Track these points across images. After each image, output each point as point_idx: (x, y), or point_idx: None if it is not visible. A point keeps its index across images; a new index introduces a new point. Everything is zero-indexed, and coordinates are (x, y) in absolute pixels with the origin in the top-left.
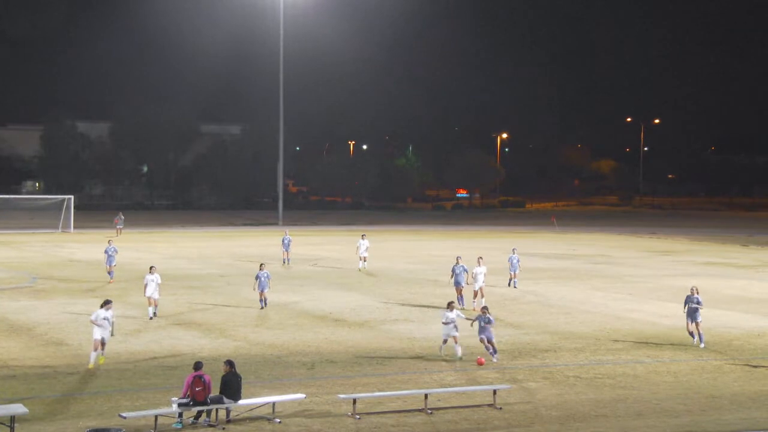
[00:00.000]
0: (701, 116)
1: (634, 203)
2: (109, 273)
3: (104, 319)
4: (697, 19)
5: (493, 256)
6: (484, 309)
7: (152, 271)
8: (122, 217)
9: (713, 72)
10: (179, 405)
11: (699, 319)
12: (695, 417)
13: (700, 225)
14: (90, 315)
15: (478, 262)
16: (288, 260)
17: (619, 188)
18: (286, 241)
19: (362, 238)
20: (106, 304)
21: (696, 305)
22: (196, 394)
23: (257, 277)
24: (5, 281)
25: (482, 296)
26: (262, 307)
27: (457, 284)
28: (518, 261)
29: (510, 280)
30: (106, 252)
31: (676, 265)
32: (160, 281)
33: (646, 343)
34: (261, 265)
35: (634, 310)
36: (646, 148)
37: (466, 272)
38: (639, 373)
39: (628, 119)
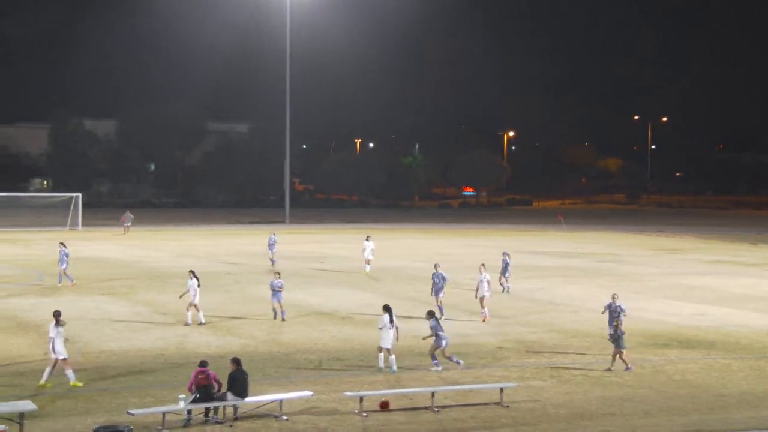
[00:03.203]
0: (708, 115)
1: (641, 201)
2: (66, 275)
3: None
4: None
5: (499, 254)
6: (430, 313)
7: (191, 276)
8: (130, 216)
9: (720, 70)
10: (193, 401)
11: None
12: (703, 415)
13: (707, 223)
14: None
15: (480, 270)
16: (274, 261)
17: (626, 186)
18: (271, 241)
19: (367, 240)
20: (57, 316)
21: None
22: (199, 381)
23: (271, 287)
24: (13, 279)
25: (483, 306)
26: (282, 318)
27: (436, 294)
28: (507, 265)
29: (502, 285)
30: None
31: (683, 264)
32: (197, 286)
33: (654, 341)
34: (276, 273)
35: (641, 308)
36: (653, 147)
37: (445, 280)
38: (647, 372)
39: (636, 117)
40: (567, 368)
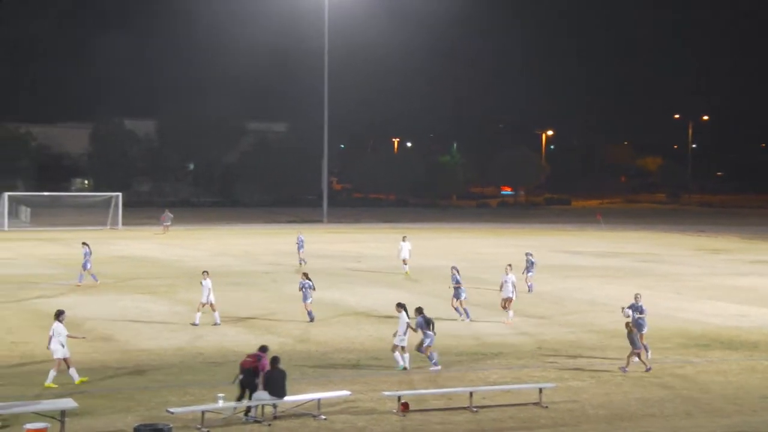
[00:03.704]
0: (750, 113)
1: (682, 201)
2: (92, 276)
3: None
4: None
5: (538, 253)
6: (418, 309)
7: (205, 276)
8: (170, 215)
9: (763, 68)
10: (235, 380)
11: (644, 330)
12: (746, 417)
13: (749, 223)
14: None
15: (506, 270)
16: (303, 260)
17: (667, 186)
18: (299, 241)
19: (403, 240)
20: (60, 314)
21: (640, 315)
22: (244, 362)
23: (300, 288)
24: (55, 277)
25: (508, 309)
26: (309, 320)
27: (456, 297)
28: (532, 264)
29: (529, 285)
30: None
31: (725, 264)
32: (210, 286)
33: (695, 342)
34: (304, 274)
35: (682, 309)
36: (694, 146)
37: (459, 282)
38: (687, 373)
39: (676, 116)
40: (606, 369)
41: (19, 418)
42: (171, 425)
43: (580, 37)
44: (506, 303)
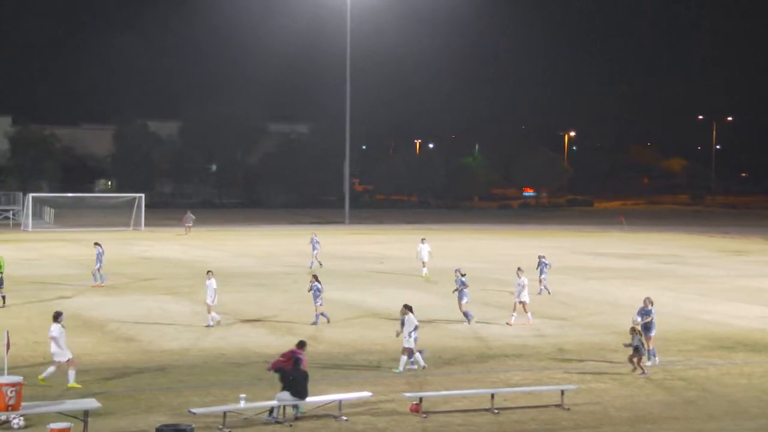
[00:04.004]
0: None
1: (706, 202)
2: (100, 275)
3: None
4: None
5: (557, 255)
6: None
7: (209, 276)
8: (192, 216)
9: None
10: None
11: (652, 333)
12: None
13: None
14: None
15: (518, 274)
16: (316, 262)
17: (690, 187)
18: (314, 242)
19: (422, 242)
20: (58, 317)
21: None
22: (276, 362)
23: (310, 290)
24: (79, 278)
25: (526, 311)
26: (313, 323)
27: (459, 299)
28: (545, 266)
29: (545, 287)
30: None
31: (749, 266)
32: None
33: (719, 344)
34: (314, 276)
35: (706, 311)
36: (718, 147)
37: (465, 285)
38: (711, 375)
39: (700, 117)
40: (629, 371)
41: (42, 418)
42: (193, 426)
43: (603, 37)
44: (523, 306)
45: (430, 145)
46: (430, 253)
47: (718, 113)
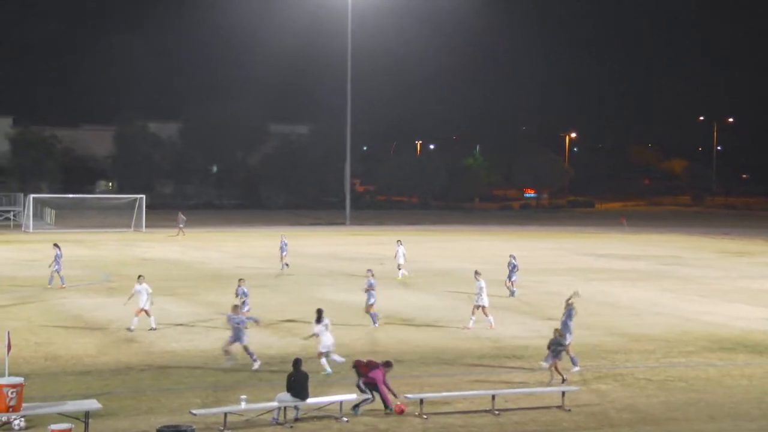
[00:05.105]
0: None
1: (706, 203)
2: (59, 277)
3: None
4: None
5: (560, 256)
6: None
7: (141, 281)
8: (182, 217)
9: None
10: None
11: (568, 341)
12: None
13: None
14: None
15: (476, 277)
16: (283, 264)
17: (691, 188)
18: (282, 245)
19: (399, 244)
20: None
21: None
22: (358, 363)
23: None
24: (80, 279)
25: (486, 315)
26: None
27: (367, 301)
28: (514, 267)
29: (509, 288)
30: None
31: (750, 267)
32: (150, 291)
33: (720, 345)
34: (240, 280)
35: (706, 312)
36: (719, 148)
37: (373, 286)
38: (712, 376)
39: (701, 118)
40: (629, 372)
41: (43, 419)
42: (194, 427)
43: (604, 38)
44: (483, 310)
45: (431, 146)
46: (404, 255)
47: (719, 114)
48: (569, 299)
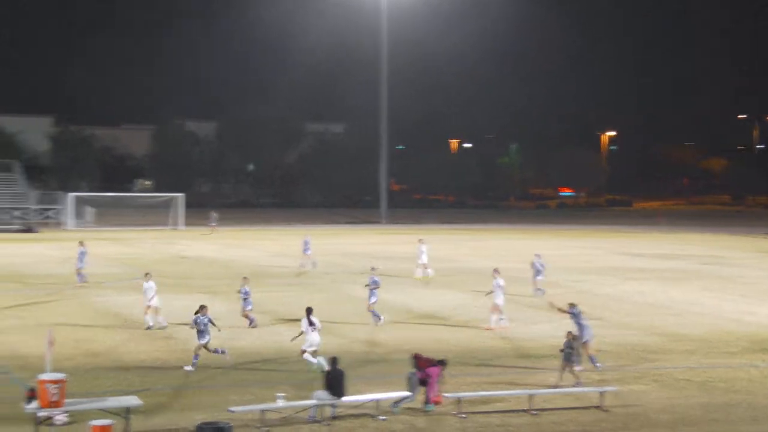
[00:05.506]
0: None
1: (747, 203)
2: (81, 275)
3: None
4: None
5: (596, 256)
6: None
7: (148, 278)
8: (214, 215)
9: None
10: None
11: (586, 339)
12: None
13: None
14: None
15: (494, 275)
16: (311, 263)
17: (732, 187)
18: (305, 243)
19: (420, 243)
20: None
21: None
22: (418, 356)
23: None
24: (118, 277)
25: (492, 313)
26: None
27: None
28: (543, 266)
29: (535, 287)
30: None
31: None
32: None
33: (761, 346)
34: (244, 278)
35: (748, 312)
36: (760, 146)
37: (377, 284)
38: (754, 378)
39: (741, 116)
40: (669, 372)
41: (85, 415)
42: (231, 424)
43: (642, 36)
44: (495, 307)
45: (467, 145)
46: (426, 254)
47: (759, 112)
48: (570, 303)
